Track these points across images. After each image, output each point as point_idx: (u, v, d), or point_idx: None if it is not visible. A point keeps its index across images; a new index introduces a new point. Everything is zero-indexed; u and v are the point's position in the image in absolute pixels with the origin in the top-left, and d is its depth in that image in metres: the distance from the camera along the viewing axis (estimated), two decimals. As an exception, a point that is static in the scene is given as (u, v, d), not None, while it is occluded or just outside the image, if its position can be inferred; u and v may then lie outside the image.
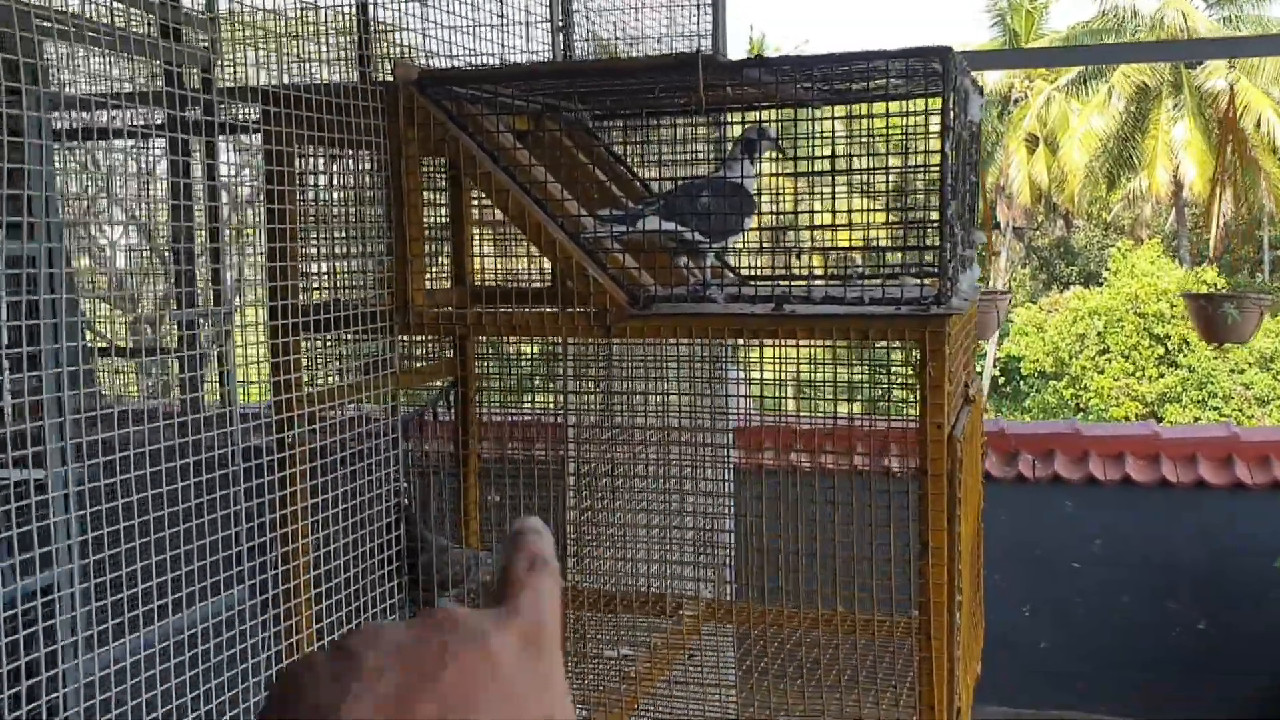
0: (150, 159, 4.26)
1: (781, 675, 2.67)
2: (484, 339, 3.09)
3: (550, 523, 0.55)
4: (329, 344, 2.47)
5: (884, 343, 2.36)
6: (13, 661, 1.81)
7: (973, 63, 2.56)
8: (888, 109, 2.51)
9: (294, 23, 2.79)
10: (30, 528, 1.87)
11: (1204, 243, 26.86)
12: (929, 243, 2.28)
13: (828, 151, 2.45)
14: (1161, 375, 22.57)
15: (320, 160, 2.46)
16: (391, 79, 2.50)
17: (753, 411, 3.41)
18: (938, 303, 2.22)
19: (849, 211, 2.57)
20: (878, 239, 2.58)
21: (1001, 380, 26.06)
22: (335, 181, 2.57)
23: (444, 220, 3.25)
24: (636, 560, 3.17)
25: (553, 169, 2.70)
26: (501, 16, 3.08)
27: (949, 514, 2.20)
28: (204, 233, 3.19)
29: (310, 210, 2.50)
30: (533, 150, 2.73)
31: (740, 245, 2.66)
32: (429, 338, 2.81)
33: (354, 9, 2.82)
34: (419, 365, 2.85)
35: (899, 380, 2.64)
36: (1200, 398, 21.85)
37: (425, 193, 2.97)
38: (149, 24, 3.47)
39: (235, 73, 3.26)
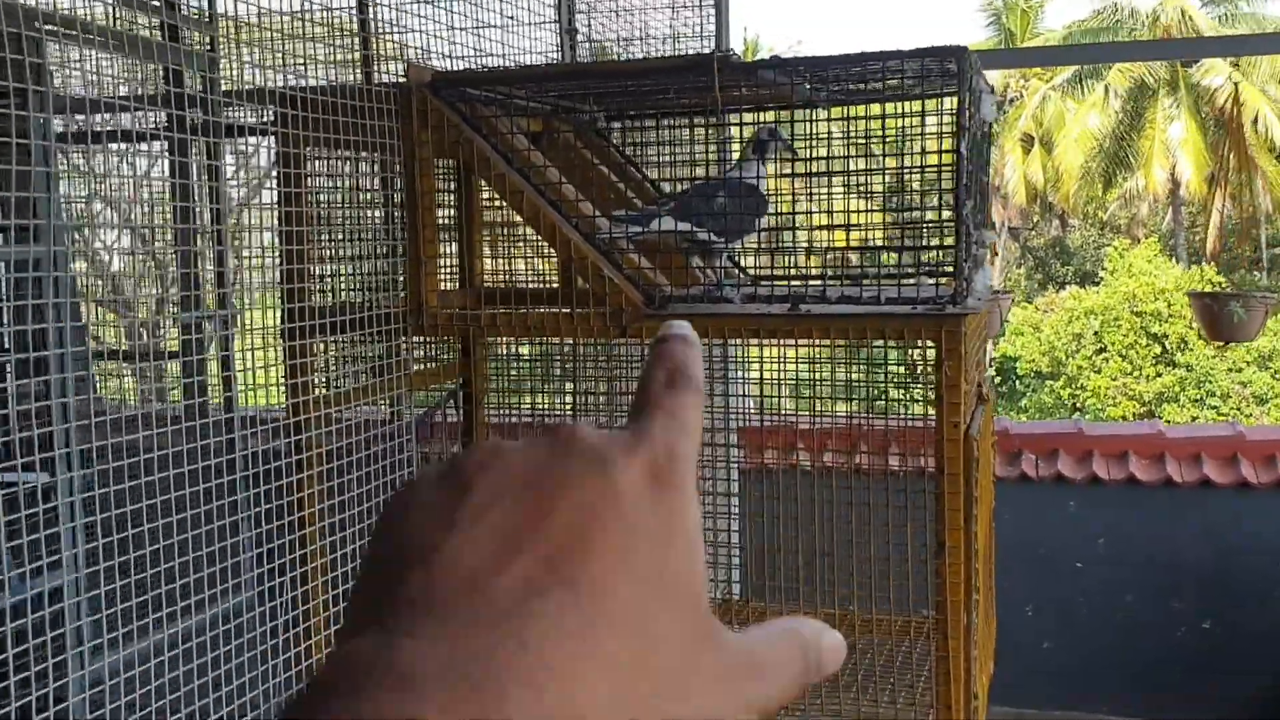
0: (150, 162, 4.26)
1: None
2: (490, 340, 3.09)
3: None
4: (341, 347, 2.47)
5: (881, 343, 2.36)
6: (20, 666, 1.80)
7: (984, 62, 2.56)
8: (901, 109, 2.51)
9: (296, 24, 2.78)
10: (38, 536, 1.87)
11: (1200, 242, 26.93)
12: (943, 242, 2.28)
13: (838, 152, 2.45)
14: (1159, 374, 22.59)
15: (334, 162, 2.46)
16: (404, 81, 2.49)
17: (753, 412, 3.41)
18: (953, 302, 2.22)
19: (864, 211, 2.57)
20: (891, 239, 2.58)
21: (998, 380, 26.08)
22: (348, 184, 2.57)
23: (449, 222, 3.25)
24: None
25: (565, 170, 2.70)
26: (512, 18, 3.08)
27: (966, 513, 2.20)
28: (206, 235, 3.19)
29: (323, 212, 2.50)
30: (545, 152, 2.74)
31: (754, 245, 2.66)
32: (440, 339, 2.80)
33: (354, 9, 2.83)
34: (432, 366, 2.85)
35: (895, 379, 2.64)
36: (1198, 396, 21.87)
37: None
38: (149, 26, 3.47)
39: (237, 75, 3.26)
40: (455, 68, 3.21)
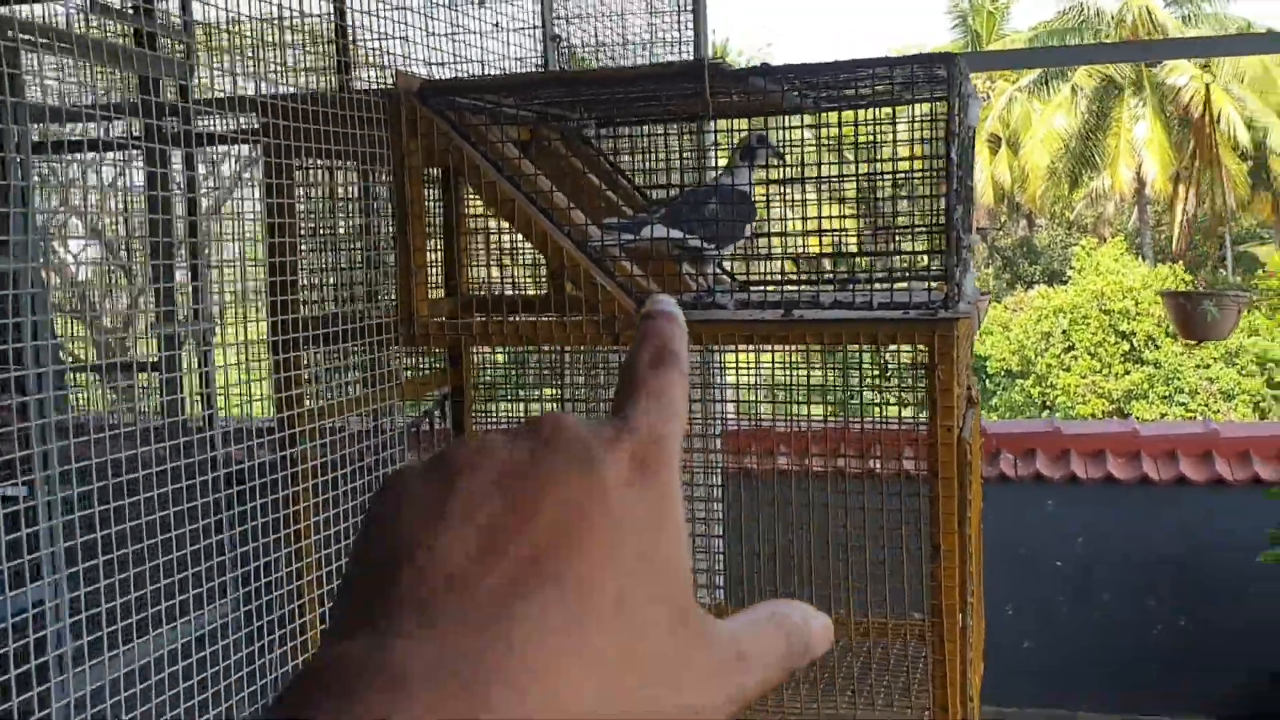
0: (118, 170, 4.22)
1: (790, 680, 2.68)
2: (475, 350, 3.08)
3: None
4: (330, 357, 2.45)
5: (856, 347, 2.36)
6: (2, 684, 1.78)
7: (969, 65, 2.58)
8: (875, 115, 2.52)
9: (273, 31, 2.76)
10: (22, 553, 1.84)
11: (1166, 240, 27.23)
12: (934, 247, 2.29)
13: (827, 158, 2.46)
14: (1128, 372, 22.82)
15: (321, 171, 2.44)
16: (391, 89, 2.48)
17: (733, 416, 3.41)
18: (945, 306, 2.23)
19: (855, 216, 2.58)
20: (882, 244, 2.59)
21: (970, 379, 26.21)
22: (335, 192, 2.55)
23: (433, 230, 3.23)
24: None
25: (553, 178, 2.69)
26: (496, 25, 3.07)
27: (960, 516, 2.21)
28: (182, 245, 3.15)
29: (310, 221, 2.48)
30: (533, 160, 2.73)
31: (744, 251, 2.66)
32: (431, 349, 2.78)
33: (333, 16, 2.81)
34: (420, 375, 2.83)
35: (871, 382, 2.65)
36: (1167, 393, 22.11)
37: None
38: (123, 34, 3.43)
39: (214, 83, 3.24)
40: (435, 75, 3.20)
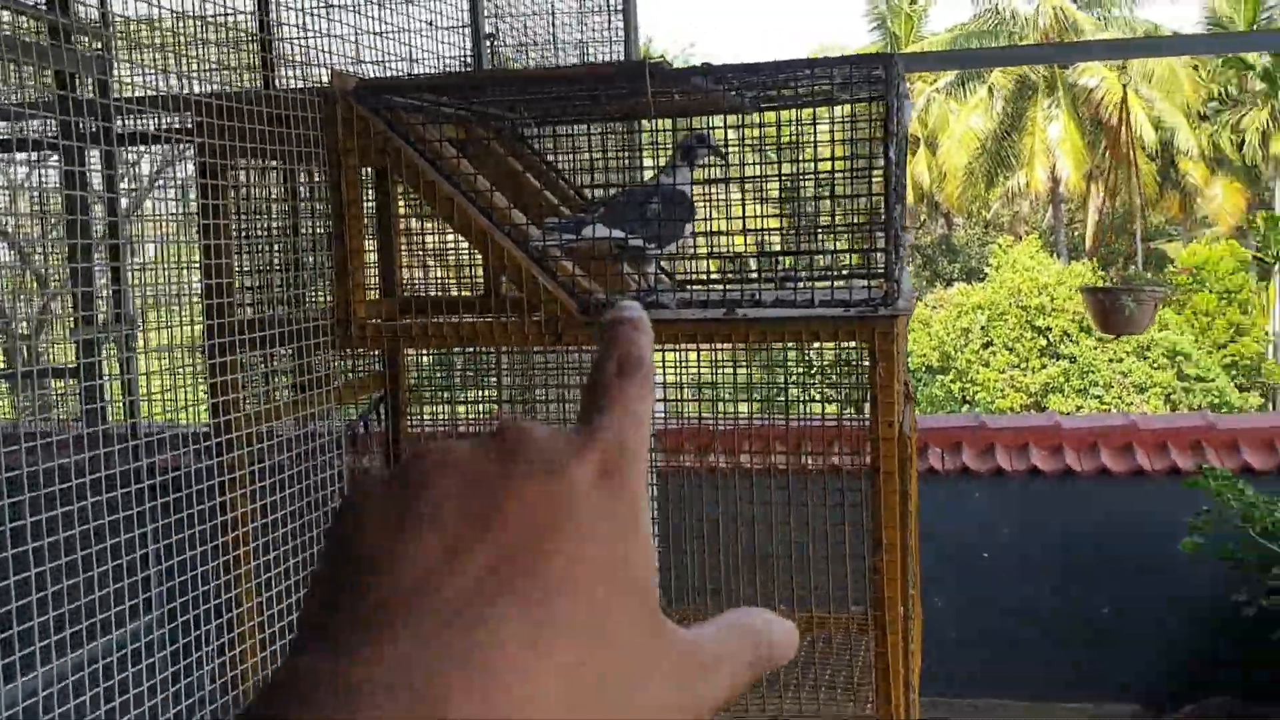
0: (30, 171, 4.09)
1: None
2: (411, 352, 3.04)
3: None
4: (265, 361, 2.40)
5: (780, 344, 2.38)
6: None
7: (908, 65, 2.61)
8: (831, 114, 2.55)
9: (194, 27, 2.70)
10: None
11: (1080, 237, 27.92)
12: (873, 245, 2.32)
13: (766, 157, 2.47)
14: (1044, 366, 23.34)
15: (253, 172, 2.39)
16: (327, 87, 2.44)
17: (666, 415, 3.41)
18: (885, 304, 2.25)
19: (789, 215, 2.60)
20: (822, 243, 2.62)
21: (892, 375, 26.57)
22: (269, 193, 2.50)
23: (369, 231, 3.19)
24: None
25: (490, 178, 2.67)
26: (430, 23, 3.04)
27: (901, 510, 2.23)
28: (104, 246, 3.07)
29: (243, 222, 2.42)
30: (471, 159, 2.70)
31: (688, 250, 2.67)
32: (368, 351, 2.74)
33: (255, 14, 2.75)
34: (358, 377, 2.78)
35: (796, 378, 2.67)
36: (1082, 386, 22.66)
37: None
38: (38, 30, 3.33)
39: (134, 81, 3.16)
40: (364, 73, 3.15)
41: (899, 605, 2.22)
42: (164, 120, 2.62)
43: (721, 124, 2.67)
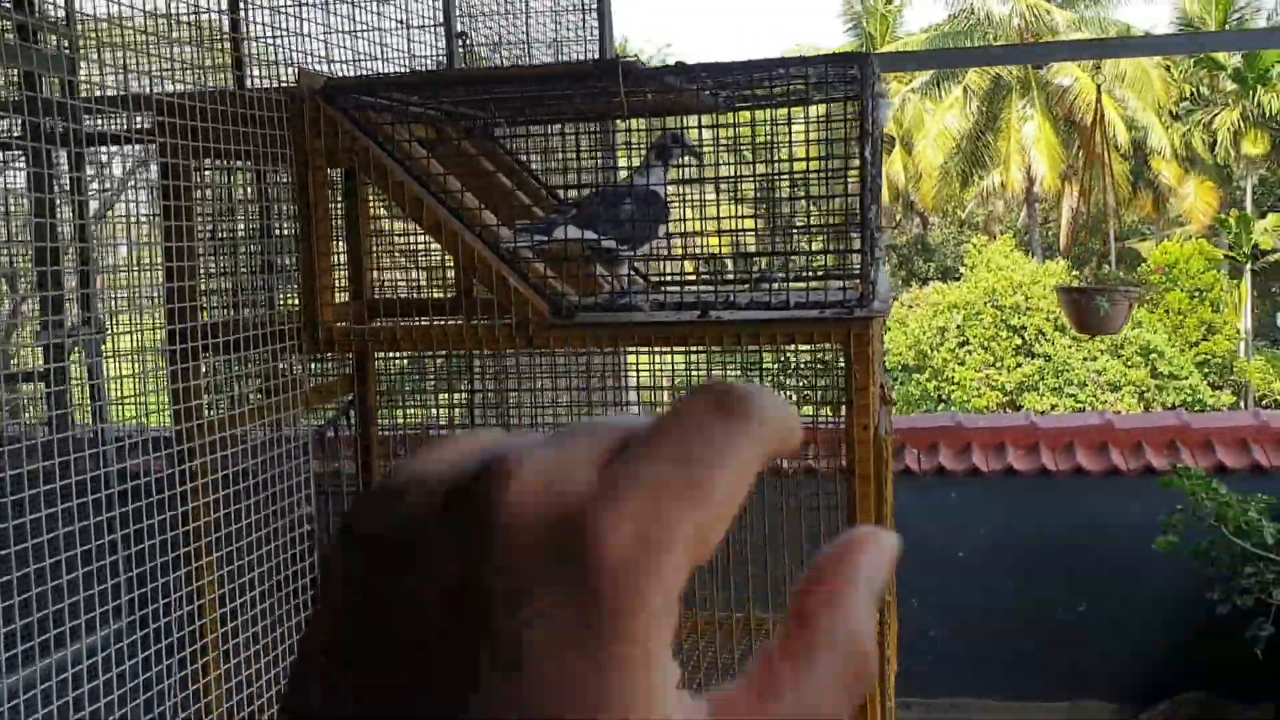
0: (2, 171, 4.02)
1: (705, 684, 2.65)
2: (380, 355, 2.99)
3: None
4: (231, 365, 2.35)
5: (755, 347, 2.35)
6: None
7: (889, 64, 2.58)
8: (805, 113, 2.52)
9: (165, 27, 2.65)
10: None
11: (1054, 236, 28.09)
12: (848, 246, 2.29)
13: (737, 158, 2.44)
14: (1020, 365, 23.47)
15: (218, 173, 2.34)
16: (293, 87, 2.39)
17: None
18: (860, 305, 2.23)
19: (770, 216, 2.57)
20: (796, 244, 2.59)
21: (868, 374, 26.66)
22: (233, 195, 2.45)
23: (338, 232, 3.14)
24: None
25: (461, 178, 2.63)
26: (401, 22, 2.99)
27: (878, 513, 2.21)
28: (73, 250, 3.01)
29: (207, 224, 2.37)
30: (441, 159, 2.66)
31: (661, 252, 2.63)
32: (337, 355, 2.69)
33: (224, 14, 2.71)
34: (326, 380, 2.74)
35: (774, 380, 2.64)
36: (1057, 385, 22.79)
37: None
38: (4, 31, 3.27)
39: (104, 80, 3.10)
40: (336, 73, 3.10)
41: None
42: (128, 121, 2.57)
43: (695, 124, 2.64)
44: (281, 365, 2.38)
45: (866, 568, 0.32)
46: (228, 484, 2.27)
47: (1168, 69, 26.10)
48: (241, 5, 2.83)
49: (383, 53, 3.47)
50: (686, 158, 2.73)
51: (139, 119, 2.31)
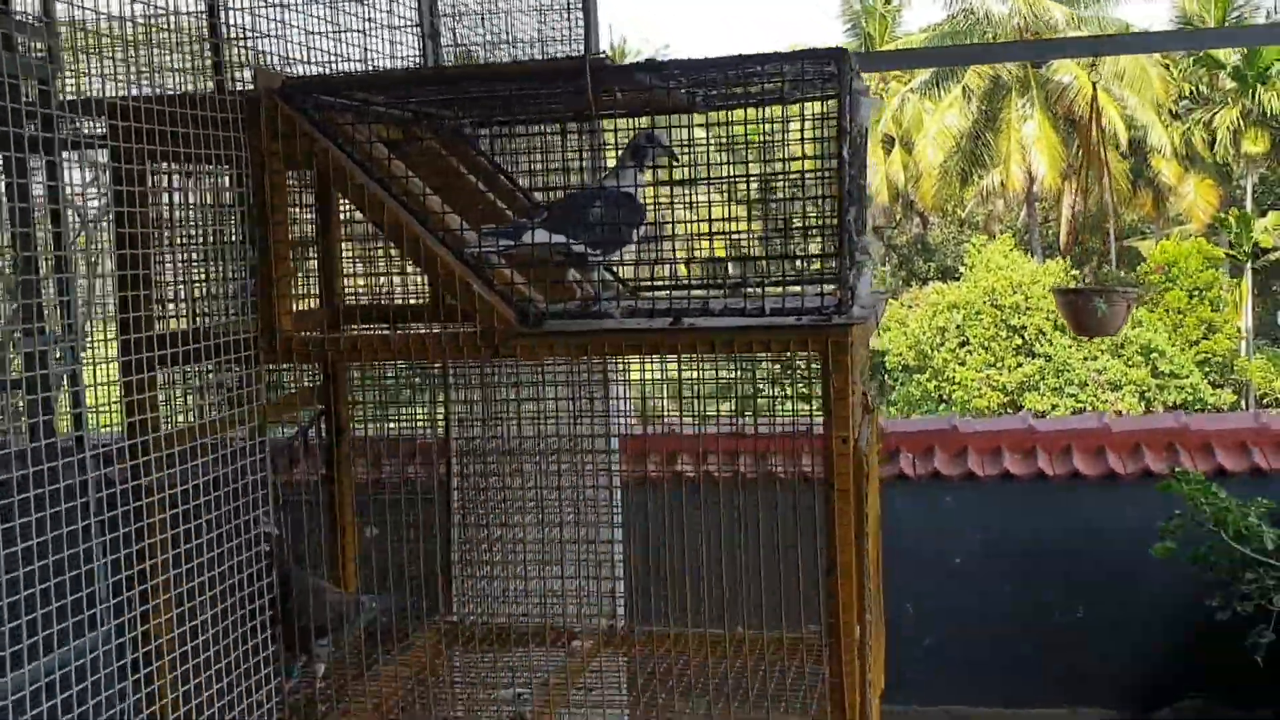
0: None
1: (683, 701, 2.57)
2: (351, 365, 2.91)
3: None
4: (188, 376, 2.26)
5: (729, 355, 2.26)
6: None
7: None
8: (784, 113, 2.43)
9: (141, 30, 2.56)
10: None
11: (1054, 235, 28.00)
12: (826, 250, 2.21)
13: (716, 159, 2.36)
14: (1020, 365, 23.40)
15: (176, 177, 2.26)
16: (251, 88, 2.30)
17: (622, 419, 3.29)
18: (839, 312, 2.14)
19: (748, 219, 2.49)
20: (773, 248, 2.50)
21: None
22: (192, 199, 2.36)
23: (308, 236, 3.05)
24: (526, 590, 3.02)
25: (430, 181, 2.54)
26: (371, 20, 2.91)
27: (857, 529, 2.12)
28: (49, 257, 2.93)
29: (165, 231, 2.29)
30: (409, 161, 2.57)
31: (631, 256, 2.55)
32: (302, 365, 2.60)
33: (205, 14, 2.62)
34: (288, 392, 2.65)
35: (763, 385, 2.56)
36: (1057, 385, 22.72)
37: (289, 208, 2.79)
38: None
39: (80, 84, 3.01)
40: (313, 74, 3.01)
41: (854, 630, 2.11)
42: (84, 126, 2.49)
43: (667, 123, 2.55)
44: (237, 376, 2.29)
45: None
46: (182, 500, 2.18)
47: (1167, 67, 26.01)
48: (220, 8, 2.75)
49: (364, 55, 3.38)
50: (664, 157, 2.64)
51: (91, 124, 2.23)
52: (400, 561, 3.00)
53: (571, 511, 3.02)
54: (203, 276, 2.35)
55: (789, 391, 3.11)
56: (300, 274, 3.06)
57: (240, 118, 2.24)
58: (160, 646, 2.20)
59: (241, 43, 2.84)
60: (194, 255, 2.35)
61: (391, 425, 3.17)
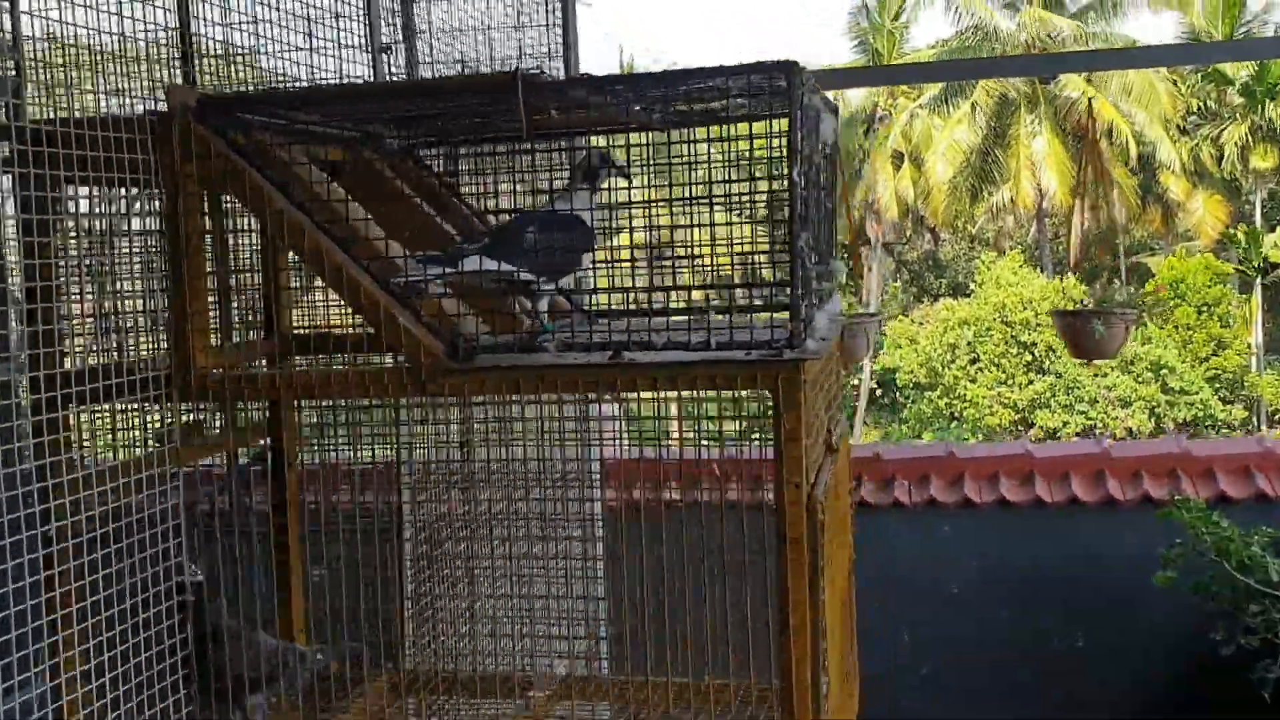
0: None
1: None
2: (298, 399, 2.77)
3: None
4: (99, 416, 2.12)
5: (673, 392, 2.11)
6: None
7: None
8: (737, 130, 2.29)
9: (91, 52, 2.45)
10: None
11: (1065, 252, 27.79)
12: (778, 277, 2.06)
13: (669, 178, 2.21)
14: (1031, 382, 23.21)
15: (85, 203, 2.13)
16: (162, 107, 2.17)
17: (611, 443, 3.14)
18: (790, 345, 1.98)
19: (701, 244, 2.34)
20: (726, 276, 2.36)
21: (879, 393, 26.52)
22: (103, 225, 2.23)
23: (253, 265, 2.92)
24: (487, 637, 2.87)
25: (371, 205, 2.40)
26: (315, 36, 2.78)
27: (811, 582, 1.96)
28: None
29: (70, 261, 2.15)
30: (348, 184, 2.44)
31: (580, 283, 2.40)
32: (209, 403, 2.44)
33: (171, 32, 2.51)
34: (216, 428, 2.50)
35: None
36: (1068, 402, 22.54)
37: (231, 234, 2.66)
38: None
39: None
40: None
41: (808, 686, 1.95)
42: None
43: (607, 142, 2.41)
44: (152, 415, 2.15)
45: None
46: (91, 548, 2.04)
47: (1175, 83, 25.84)
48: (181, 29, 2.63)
49: (312, 75, 3.25)
50: (617, 178, 2.50)
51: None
52: (352, 605, 2.86)
53: (539, 559, 2.89)
54: (115, 309, 2.21)
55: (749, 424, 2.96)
56: (248, 304, 2.93)
57: (150, 139, 2.10)
58: (71, 703, 2.05)
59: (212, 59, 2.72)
60: (107, 286, 2.21)
61: (339, 454, 3.02)
